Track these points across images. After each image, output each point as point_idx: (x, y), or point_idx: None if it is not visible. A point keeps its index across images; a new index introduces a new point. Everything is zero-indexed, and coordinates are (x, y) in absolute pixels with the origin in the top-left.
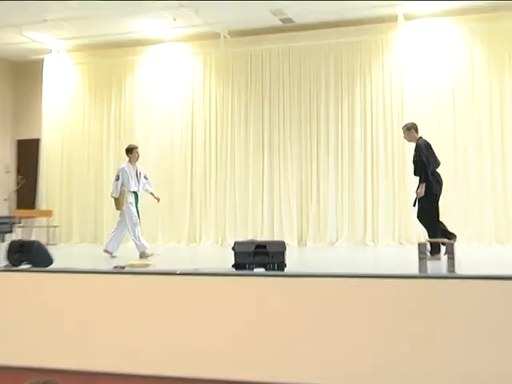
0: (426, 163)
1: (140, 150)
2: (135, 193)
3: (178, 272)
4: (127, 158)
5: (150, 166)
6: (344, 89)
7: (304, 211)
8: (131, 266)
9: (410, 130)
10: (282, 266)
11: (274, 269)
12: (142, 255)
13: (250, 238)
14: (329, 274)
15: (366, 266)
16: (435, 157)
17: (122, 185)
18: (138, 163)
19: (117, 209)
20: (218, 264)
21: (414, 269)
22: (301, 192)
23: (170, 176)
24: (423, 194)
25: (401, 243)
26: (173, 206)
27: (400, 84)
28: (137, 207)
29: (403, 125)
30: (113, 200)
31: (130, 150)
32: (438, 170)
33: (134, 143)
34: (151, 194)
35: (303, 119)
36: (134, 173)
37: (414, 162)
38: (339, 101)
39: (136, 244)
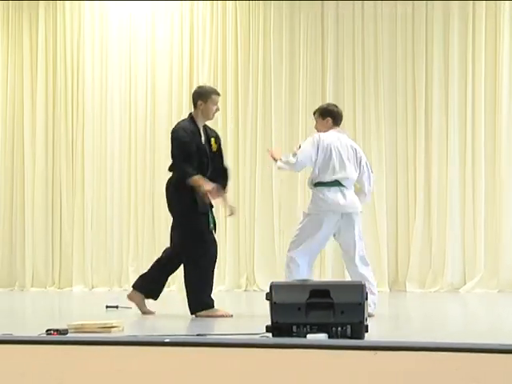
0: None
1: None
2: None
3: (166, 340)
4: None
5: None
6: None
7: (402, 230)
8: (79, 328)
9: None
10: (359, 329)
11: (344, 335)
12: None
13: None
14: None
15: None
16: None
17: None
18: None
19: None
20: (238, 326)
21: None
22: (396, 198)
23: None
24: None
25: None
26: (156, 218)
27: None
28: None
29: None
30: None
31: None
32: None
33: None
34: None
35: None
36: None
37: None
38: None
39: None
